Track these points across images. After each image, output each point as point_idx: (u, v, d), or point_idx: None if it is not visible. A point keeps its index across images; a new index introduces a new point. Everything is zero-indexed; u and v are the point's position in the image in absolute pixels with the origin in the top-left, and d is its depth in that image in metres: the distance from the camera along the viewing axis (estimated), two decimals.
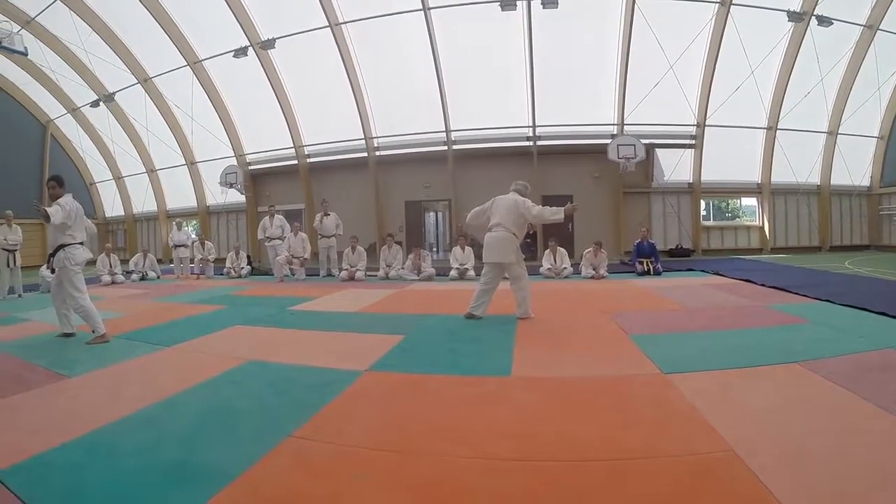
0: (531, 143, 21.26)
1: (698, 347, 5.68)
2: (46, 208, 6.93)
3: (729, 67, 19.69)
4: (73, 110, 27.68)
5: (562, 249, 14.80)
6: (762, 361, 4.93)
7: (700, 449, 3.14)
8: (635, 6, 18.67)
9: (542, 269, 14.36)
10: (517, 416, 3.89)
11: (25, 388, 4.94)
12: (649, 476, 2.85)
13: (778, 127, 21.12)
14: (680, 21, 19.27)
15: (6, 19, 21.23)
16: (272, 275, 16.41)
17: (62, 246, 7.15)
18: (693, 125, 21.09)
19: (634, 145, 19.54)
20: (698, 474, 2.84)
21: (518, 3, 18.46)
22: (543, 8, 18.29)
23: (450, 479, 2.92)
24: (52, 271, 7.31)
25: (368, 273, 15.26)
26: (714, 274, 13.64)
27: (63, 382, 5.16)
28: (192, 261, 18.53)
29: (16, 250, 13.46)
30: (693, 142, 21.22)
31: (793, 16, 18.80)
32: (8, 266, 13.30)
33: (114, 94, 25.67)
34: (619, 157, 19.55)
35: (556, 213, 7.80)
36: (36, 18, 22.57)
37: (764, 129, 21.42)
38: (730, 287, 10.98)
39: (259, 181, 26.00)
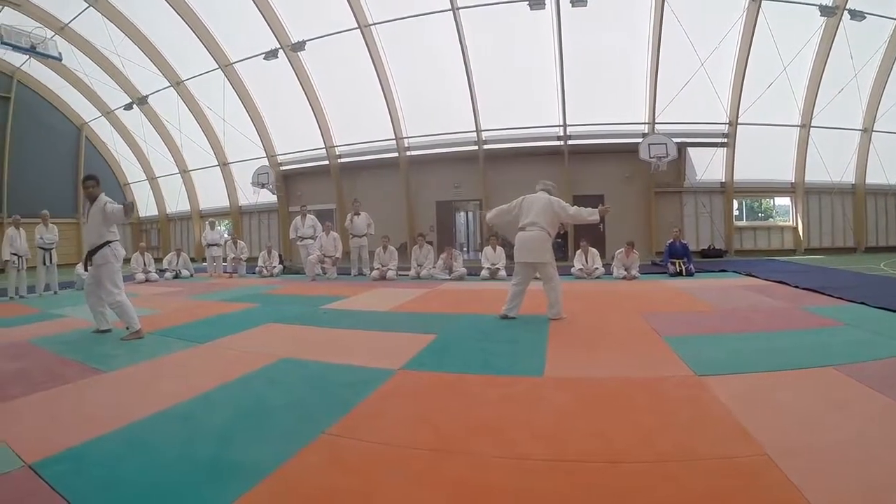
0: (562, 143, 21.15)
1: (732, 349, 5.61)
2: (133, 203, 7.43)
3: (761, 64, 19.36)
4: (107, 113, 28.16)
5: (593, 250, 14.70)
6: (796, 364, 4.86)
7: (734, 452, 3.11)
8: (665, 3, 18.48)
9: (573, 270, 14.29)
10: (550, 416, 3.90)
11: (61, 382, 5.07)
12: (683, 478, 2.84)
13: (811, 125, 20.71)
14: (710, 17, 19.05)
15: (40, 25, 21.63)
16: (304, 274, 16.56)
17: (107, 242, 7.39)
18: (725, 123, 20.77)
19: (666, 144, 19.33)
20: (732, 478, 2.83)
21: (546, 1, 18.35)
22: (572, 6, 18.18)
23: (483, 478, 2.94)
24: (86, 268, 7.50)
25: (400, 272, 15.36)
26: (747, 275, 13.41)
27: (98, 377, 5.29)
28: (224, 259, 18.82)
29: (52, 249, 13.96)
30: (725, 140, 20.91)
31: (825, 10, 18.36)
32: (44, 264, 13.84)
33: (147, 96, 26.07)
34: (650, 157, 19.38)
35: (592, 214, 7.85)
36: (69, 24, 23.09)
37: (797, 126, 21.02)
38: (763, 288, 10.81)
39: (290, 181, 26.26)
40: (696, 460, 3.05)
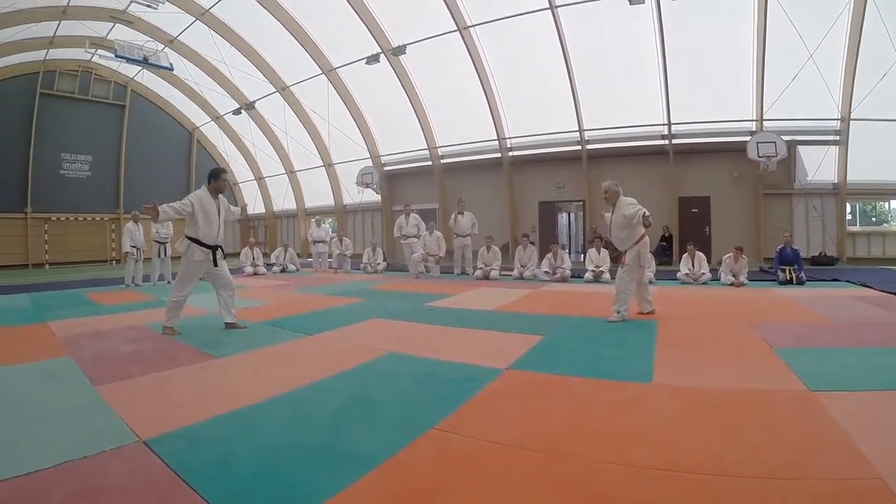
0: (666, 142, 20.64)
1: (846, 364, 5.34)
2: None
3: (872, 54, 17.84)
4: (217, 118, 29.85)
5: (700, 254, 14.10)
6: None
7: (847, 474, 2.98)
8: None
9: (679, 275, 13.75)
10: (659, 424, 3.87)
11: (176, 364, 5.46)
12: (792, 497, 2.78)
13: None
14: (817, 4, 17.99)
15: (151, 39, 23.04)
16: (407, 271, 16.99)
17: None
18: (837, 119, 19.46)
19: (775, 143, 18.44)
20: (844, 501, 2.73)
21: None
22: (673, 0, 17.74)
23: (593, 482, 2.97)
24: (216, 263, 7.94)
25: (503, 272, 15.50)
26: (861, 285, 12.53)
27: (211, 362, 5.66)
28: (329, 255, 19.68)
29: (166, 243, 15.18)
30: (837, 138, 19.68)
31: None
32: (159, 256, 15.19)
33: (254, 102, 27.42)
34: (758, 156, 18.56)
35: None
36: (178, 38, 24.66)
37: None
38: (879, 301, 10.07)
39: (393, 181, 26.87)
40: (807, 479, 2.96)
